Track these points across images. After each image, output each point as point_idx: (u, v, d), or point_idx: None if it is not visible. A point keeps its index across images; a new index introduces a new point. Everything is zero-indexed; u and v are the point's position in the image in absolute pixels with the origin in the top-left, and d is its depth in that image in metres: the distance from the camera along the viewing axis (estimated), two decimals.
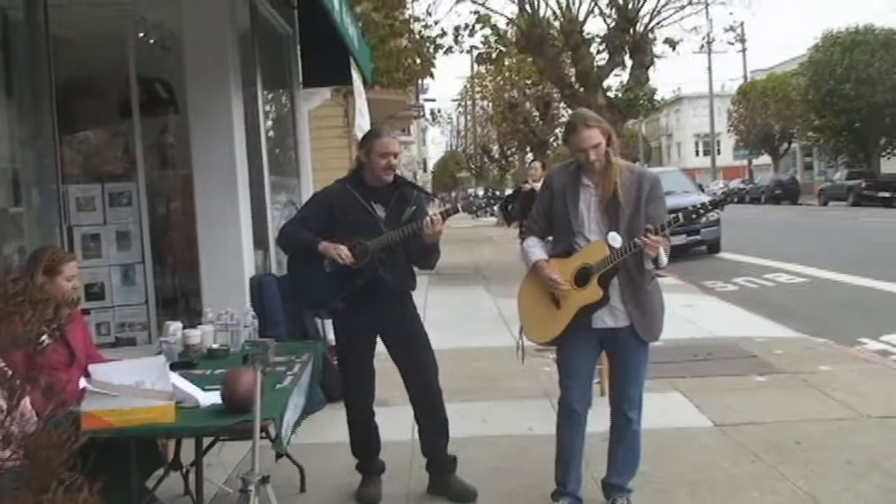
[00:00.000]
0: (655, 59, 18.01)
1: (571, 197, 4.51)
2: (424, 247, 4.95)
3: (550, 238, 4.70)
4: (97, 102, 7.89)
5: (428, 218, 4.81)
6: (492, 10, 19.18)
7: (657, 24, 18.40)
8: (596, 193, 4.47)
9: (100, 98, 7.89)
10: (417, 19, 19.72)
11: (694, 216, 4.28)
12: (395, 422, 5.81)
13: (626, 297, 4.46)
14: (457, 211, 5.07)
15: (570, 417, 4.65)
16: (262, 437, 3.79)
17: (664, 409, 6.74)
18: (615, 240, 4.33)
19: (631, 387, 4.64)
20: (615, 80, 18.67)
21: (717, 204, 4.33)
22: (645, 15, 17.75)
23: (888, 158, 45.61)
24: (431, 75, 21.11)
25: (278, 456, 4.22)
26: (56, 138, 6.94)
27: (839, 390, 7.11)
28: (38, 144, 6.84)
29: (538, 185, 9.36)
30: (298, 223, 5.13)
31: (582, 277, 4.42)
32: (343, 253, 4.82)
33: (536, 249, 4.67)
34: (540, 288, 4.60)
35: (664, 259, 4.35)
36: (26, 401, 2.97)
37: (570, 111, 20.00)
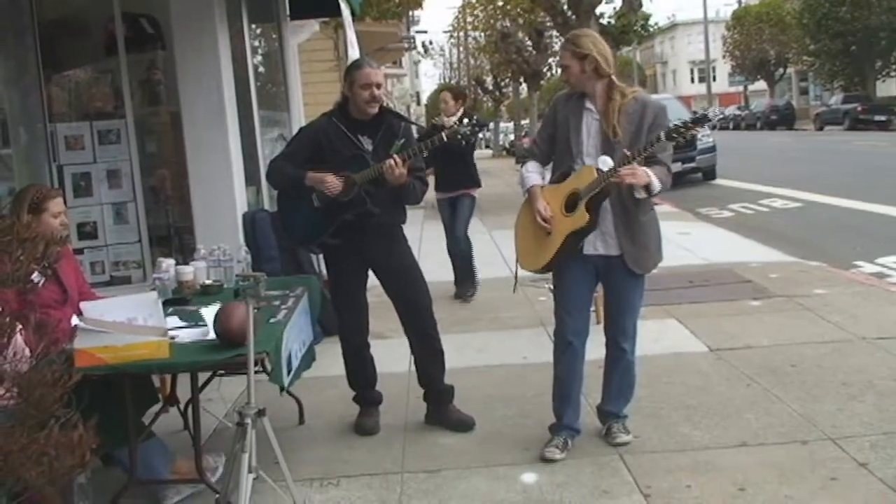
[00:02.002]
0: None
1: (574, 121, 4.47)
2: (394, 189, 4.85)
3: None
4: (82, 40, 7.76)
5: (387, 162, 4.71)
6: None
7: None
8: (597, 119, 4.42)
9: (85, 35, 7.75)
10: None
11: (675, 135, 4.15)
12: (392, 354, 5.84)
13: (618, 226, 4.41)
14: (442, 140, 4.98)
15: (566, 350, 4.63)
16: (257, 371, 3.80)
17: (659, 335, 6.77)
18: (604, 163, 4.26)
19: (624, 317, 4.62)
20: (608, 7, 18.45)
21: (697, 121, 4.20)
22: None
23: (884, 81, 45.32)
24: (420, 5, 20.86)
25: (282, 389, 4.23)
26: (41, 77, 6.86)
27: (834, 313, 7.13)
28: (22, 83, 6.76)
29: (452, 121, 7.92)
30: (285, 158, 5.07)
31: (572, 203, 4.37)
32: (330, 182, 4.78)
33: (533, 175, 4.65)
34: (534, 215, 4.55)
35: (656, 184, 4.23)
36: (19, 339, 2.96)
37: (563, 40, 19.76)
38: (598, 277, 4.65)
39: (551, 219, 4.44)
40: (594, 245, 4.46)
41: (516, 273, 4.93)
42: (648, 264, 4.54)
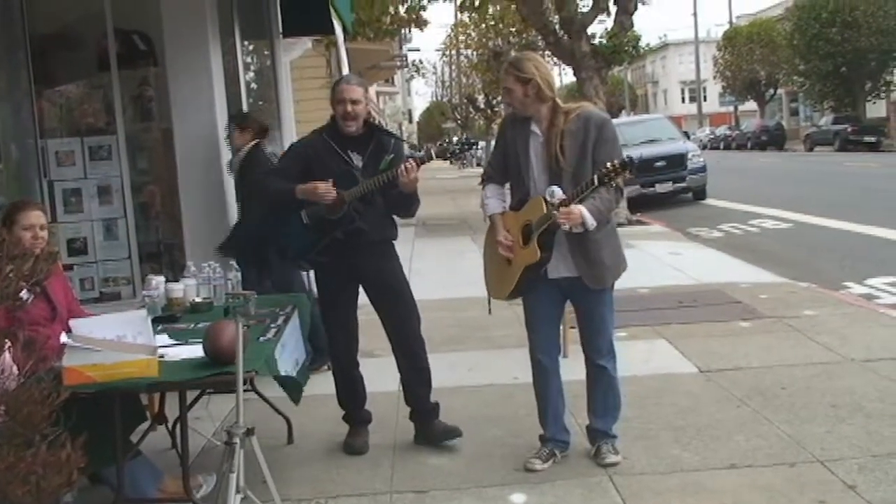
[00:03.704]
0: (640, 5, 17.81)
1: (522, 145, 4.50)
2: (401, 195, 4.90)
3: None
4: (74, 55, 7.76)
5: (402, 166, 4.75)
6: None
7: None
8: (543, 143, 4.44)
9: (77, 51, 7.76)
10: None
11: (605, 180, 4.13)
12: (382, 373, 5.81)
13: (573, 248, 4.44)
14: (431, 158, 5.03)
15: (537, 368, 4.76)
16: (246, 390, 3.79)
17: (649, 356, 6.77)
18: (553, 195, 4.26)
19: (597, 336, 4.65)
20: (599, 27, 18.46)
21: (624, 166, 4.17)
22: None
23: (874, 103, 45.55)
24: (420, 27, 20.90)
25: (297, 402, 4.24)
26: (32, 92, 6.86)
27: (823, 334, 7.14)
28: (13, 98, 6.76)
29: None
30: (275, 174, 5.08)
31: (526, 234, 4.42)
32: (322, 189, 4.77)
33: (493, 201, 4.69)
34: (496, 245, 4.63)
35: (590, 223, 4.24)
36: (7, 357, 2.95)
37: (554, 59, 19.80)
38: (564, 298, 4.70)
39: (512, 247, 4.50)
40: (557, 269, 4.50)
41: (490, 297, 4.94)
42: (606, 278, 4.54)
